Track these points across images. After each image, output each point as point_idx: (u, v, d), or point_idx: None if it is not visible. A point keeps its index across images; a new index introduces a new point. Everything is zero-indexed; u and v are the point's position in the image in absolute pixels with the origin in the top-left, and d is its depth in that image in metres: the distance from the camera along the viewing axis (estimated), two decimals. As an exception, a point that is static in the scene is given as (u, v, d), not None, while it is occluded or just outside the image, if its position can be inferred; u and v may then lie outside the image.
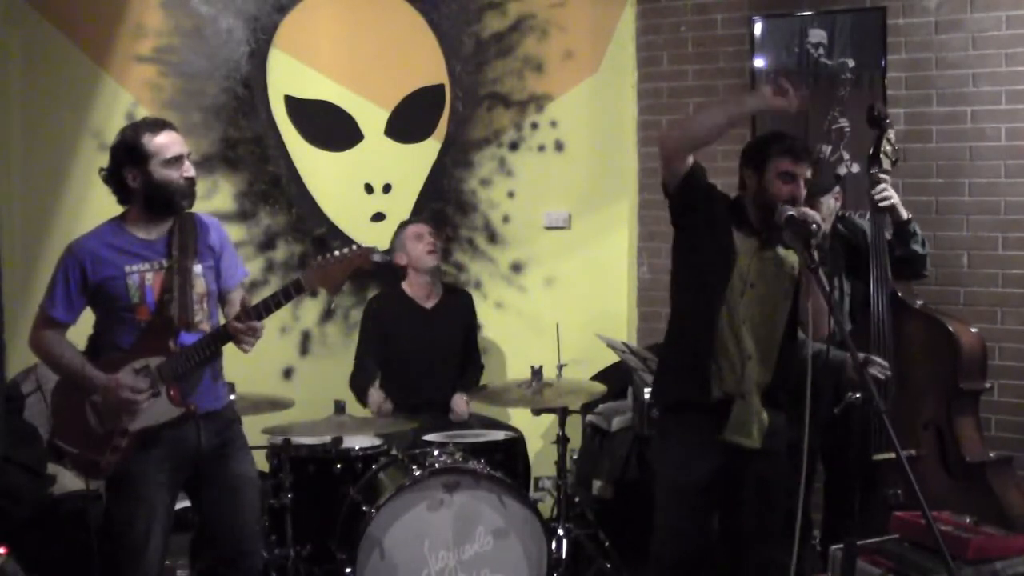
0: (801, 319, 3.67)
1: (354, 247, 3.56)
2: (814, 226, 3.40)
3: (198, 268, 3.60)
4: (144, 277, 3.52)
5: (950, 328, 4.11)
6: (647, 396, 4.77)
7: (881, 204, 4.11)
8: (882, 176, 4.14)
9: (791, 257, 3.64)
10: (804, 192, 3.59)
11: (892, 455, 3.71)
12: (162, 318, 3.51)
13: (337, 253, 3.54)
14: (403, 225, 5.36)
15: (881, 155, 4.16)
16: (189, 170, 3.56)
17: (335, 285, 3.59)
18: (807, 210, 3.52)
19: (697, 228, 3.66)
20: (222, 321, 3.65)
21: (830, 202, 4.25)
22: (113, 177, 3.56)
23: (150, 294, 3.52)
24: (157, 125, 3.57)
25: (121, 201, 3.60)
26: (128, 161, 3.50)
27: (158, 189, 3.51)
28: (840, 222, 4.31)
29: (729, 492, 3.67)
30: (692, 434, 3.66)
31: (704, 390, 3.60)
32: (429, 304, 5.31)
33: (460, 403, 5.14)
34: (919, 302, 4.25)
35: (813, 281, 3.43)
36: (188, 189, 3.56)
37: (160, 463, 3.53)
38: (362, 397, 5.12)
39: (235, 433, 3.72)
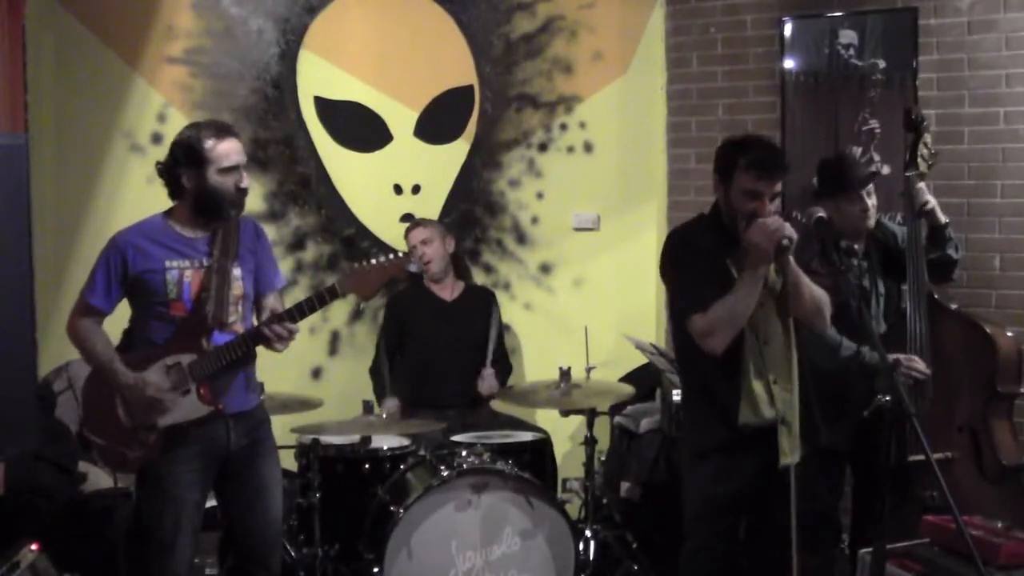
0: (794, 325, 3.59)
1: (390, 256, 3.54)
2: (785, 241, 3.31)
3: (237, 271, 3.61)
4: (183, 274, 3.53)
5: (988, 331, 4.08)
6: (675, 398, 4.75)
7: (924, 208, 4.09)
8: (919, 179, 4.12)
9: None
10: (773, 207, 3.46)
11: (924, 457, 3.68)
12: (197, 316, 3.52)
13: (374, 261, 3.53)
14: (410, 228, 5.37)
15: (918, 158, 4.14)
16: (244, 180, 3.56)
17: (369, 293, 3.60)
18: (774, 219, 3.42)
19: None
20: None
21: (873, 199, 4.20)
22: (168, 173, 3.57)
23: (187, 291, 3.53)
24: (221, 131, 3.56)
25: (171, 196, 3.60)
26: (186, 162, 3.51)
27: (210, 195, 3.51)
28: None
29: (756, 498, 3.64)
30: (729, 461, 3.60)
31: (738, 428, 3.53)
32: (449, 297, 5.34)
33: (488, 376, 5.16)
34: (953, 305, 4.22)
35: (798, 286, 3.38)
36: (239, 199, 3.57)
37: (190, 461, 3.54)
38: (379, 389, 5.20)
39: (264, 433, 3.73)
